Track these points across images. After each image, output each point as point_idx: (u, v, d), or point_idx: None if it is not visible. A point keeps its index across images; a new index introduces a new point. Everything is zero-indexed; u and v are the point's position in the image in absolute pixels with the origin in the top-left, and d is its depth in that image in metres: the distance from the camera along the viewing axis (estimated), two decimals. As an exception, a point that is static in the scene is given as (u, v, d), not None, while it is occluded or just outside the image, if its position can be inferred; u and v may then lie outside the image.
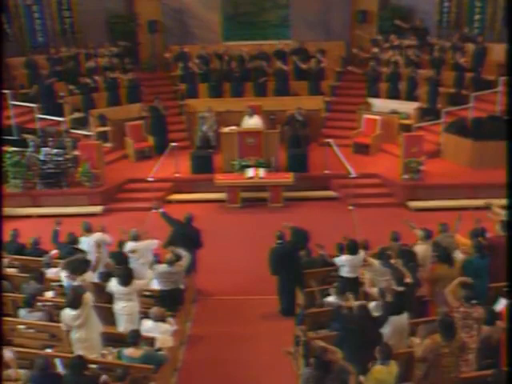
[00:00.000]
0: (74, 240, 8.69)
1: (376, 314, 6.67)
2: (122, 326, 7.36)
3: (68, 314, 6.79)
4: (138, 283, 7.48)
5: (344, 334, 6.37)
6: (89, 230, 8.88)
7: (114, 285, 7.41)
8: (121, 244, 8.81)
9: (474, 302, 6.42)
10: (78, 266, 7.63)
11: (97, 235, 8.83)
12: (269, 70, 15.77)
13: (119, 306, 7.39)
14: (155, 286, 8.28)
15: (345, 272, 8.14)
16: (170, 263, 7.91)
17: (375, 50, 16.07)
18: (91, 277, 7.89)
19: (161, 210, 10.03)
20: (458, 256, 7.99)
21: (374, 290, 7.22)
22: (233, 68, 15.74)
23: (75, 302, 6.73)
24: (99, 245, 8.69)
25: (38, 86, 14.74)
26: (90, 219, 9.78)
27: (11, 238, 9.31)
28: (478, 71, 14.63)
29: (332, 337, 6.56)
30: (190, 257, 8.35)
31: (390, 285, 7.03)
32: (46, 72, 15.04)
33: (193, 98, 15.28)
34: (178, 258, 8.07)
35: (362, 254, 8.12)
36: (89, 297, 6.90)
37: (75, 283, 7.33)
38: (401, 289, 6.87)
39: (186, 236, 8.90)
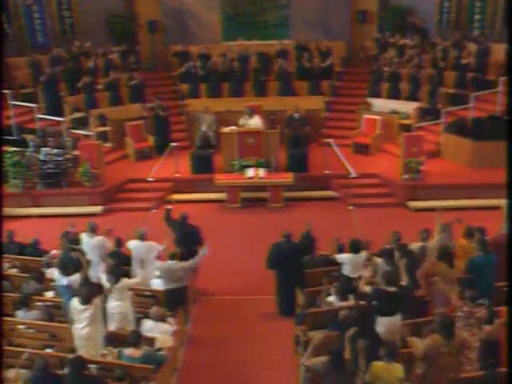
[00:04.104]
0: (74, 240, 8.67)
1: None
2: (114, 325, 7.36)
3: (76, 305, 6.83)
4: (126, 281, 7.49)
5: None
6: (93, 231, 8.86)
7: (103, 281, 7.48)
8: (118, 242, 8.78)
9: (479, 302, 6.42)
10: (70, 265, 7.67)
11: (99, 238, 8.80)
12: (276, 69, 15.74)
13: (111, 305, 7.42)
14: (157, 286, 8.30)
15: (346, 270, 8.14)
16: (172, 258, 7.95)
17: (385, 41, 16.11)
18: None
19: (169, 207, 10.00)
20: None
21: (368, 289, 7.22)
22: (234, 68, 15.72)
23: (86, 299, 6.77)
24: (96, 247, 8.67)
25: (42, 85, 14.74)
26: (90, 219, 9.76)
27: (7, 239, 9.28)
28: (481, 71, 14.61)
29: (332, 336, 6.56)
30: (197, 259, 8.37)
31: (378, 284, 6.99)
32: (48, 71, 15.01)
33: (194, 98, 15.26)
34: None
35: (364, 253, 8.12)
36: (98, 300, 6.94)
37: (65, 282, 7.40)
38: (392, 289, 6.77)
39: (185, 235, 8.90)
